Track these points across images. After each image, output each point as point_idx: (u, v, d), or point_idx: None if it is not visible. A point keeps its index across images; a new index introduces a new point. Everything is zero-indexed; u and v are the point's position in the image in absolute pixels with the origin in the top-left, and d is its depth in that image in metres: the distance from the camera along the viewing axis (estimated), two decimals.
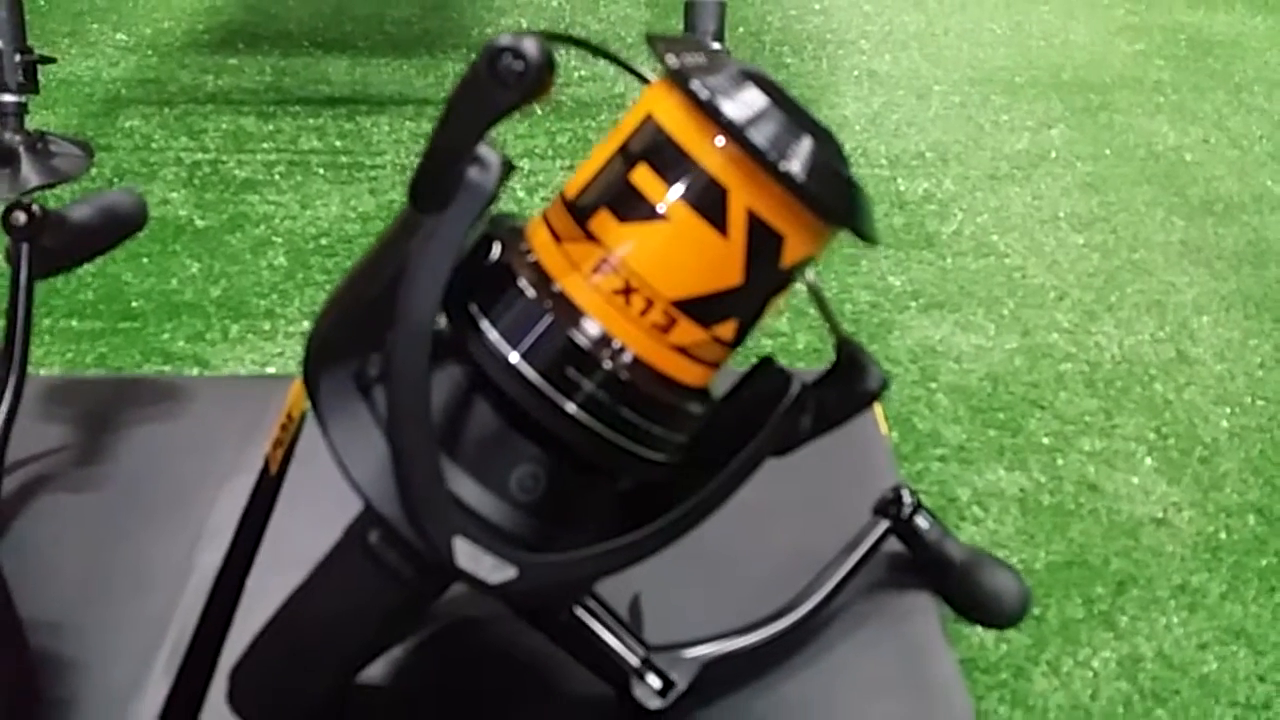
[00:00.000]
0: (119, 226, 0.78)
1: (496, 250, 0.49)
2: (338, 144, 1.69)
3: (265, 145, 1.68)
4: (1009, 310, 1.36)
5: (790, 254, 0.48)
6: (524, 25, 2.14)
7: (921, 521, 0.65)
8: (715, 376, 0.51)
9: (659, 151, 0.47)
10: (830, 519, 0.67)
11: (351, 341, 0.50)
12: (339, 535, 0.52)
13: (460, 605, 0.62)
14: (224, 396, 0.82)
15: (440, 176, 0.46)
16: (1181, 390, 1.23)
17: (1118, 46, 2.11)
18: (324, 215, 1.51)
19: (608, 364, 0.47)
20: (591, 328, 0.47)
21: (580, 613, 0.56)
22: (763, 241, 0.47)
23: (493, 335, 0.47)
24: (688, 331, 0.48)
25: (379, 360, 0.50)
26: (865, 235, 0.48)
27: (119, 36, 2.05)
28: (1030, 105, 1.87)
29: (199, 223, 1.49)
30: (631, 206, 0.47)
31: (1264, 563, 1.02)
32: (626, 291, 0.47)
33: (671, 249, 0.47)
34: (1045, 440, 1.15)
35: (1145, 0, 2.32)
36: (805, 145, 0.46)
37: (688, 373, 0.49)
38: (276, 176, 1.60)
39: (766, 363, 0.54)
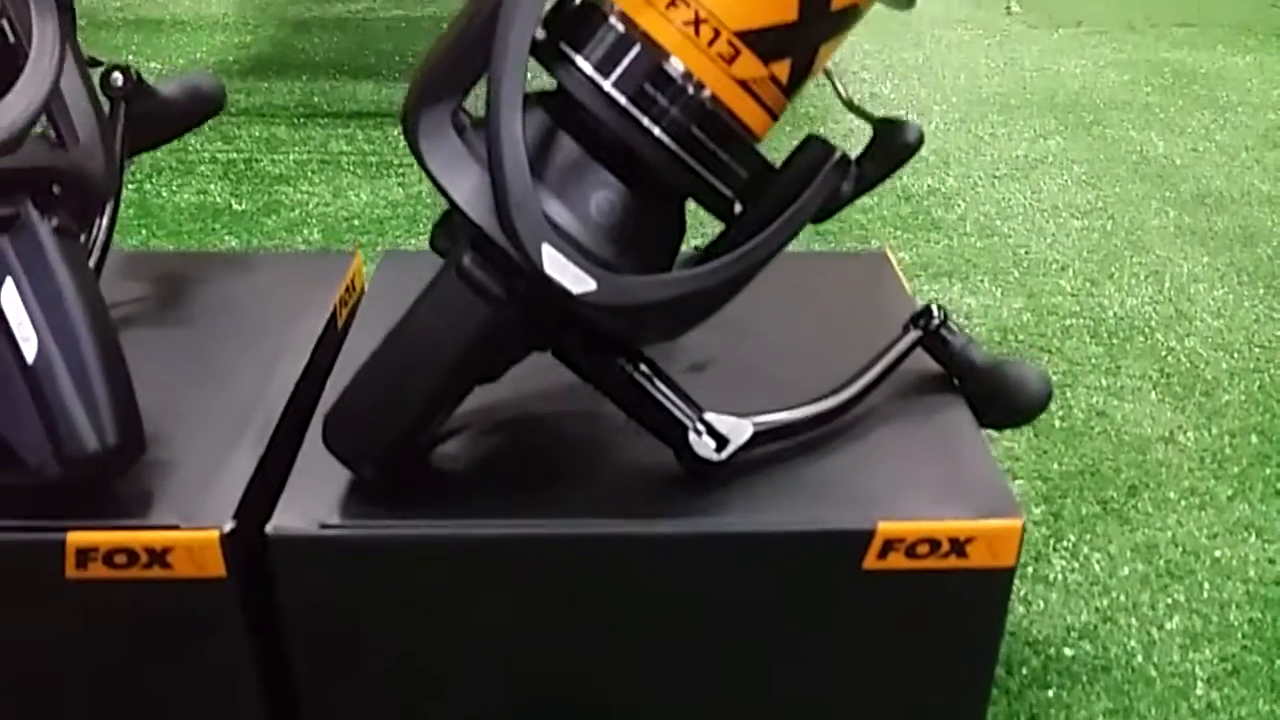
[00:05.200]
0: (201, 104, 0.85)
1: None
2: (367, 148, 1.77)
3: (297, 148, 1.76)
4: (1014, 278, 1.42)
5: None
6: None
7: (948, 333, 0.70)
8: (771, 128, 0.57)
9: None
10: (861, 341, 0.72)
11: (447, 84, 0.56)
12: None
13: (527, 395, 0.67)
14: (291, 264, 0.88)
15: None
16: (1182, 340, 1.29)
17: (1107, 76, 2.21)
18: (355, 202, 1.58)
19: (685, 90, 0.53)
20: (670, 59, 0.53)
21: (640, 374, 0.61)
22: None
23: (586, 66, 0.54)
24: (749, 64, 0.54)
25: (467, 114, 0.56)
26: None
27: (153, 65, 2.14)
28: (1026, 121, 1.96)
29: (236, 207, 1.55)
30: None
31: (1268, 472, 1.06)
32: (696, 22, 0.53)
33: None
34: (1054, 377, 1.20)
35: (1131, 40, 2.44)
36: None
37: (749, 112, 0.55)
38: (309, 173, 1.67)
39: (811, 138, 0.60)
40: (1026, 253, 1.49)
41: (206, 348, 0.74)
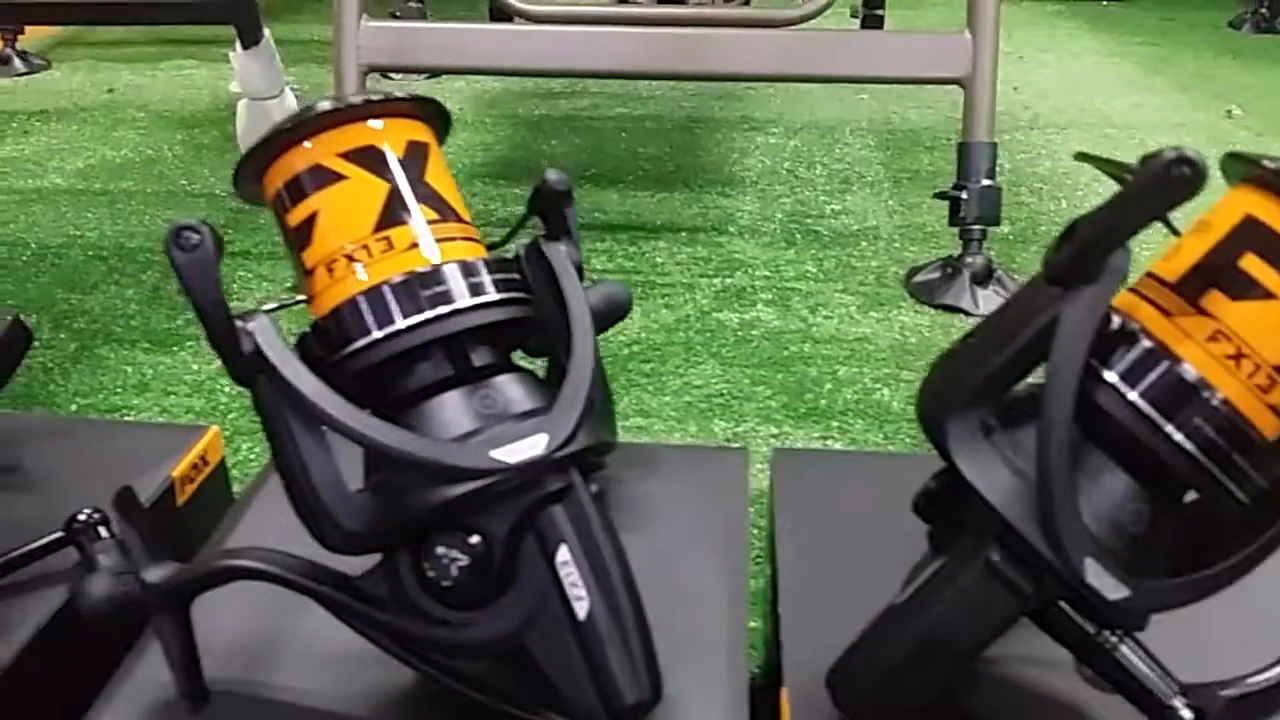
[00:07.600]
0: (617, 309, 0.91)
1: (1116, 321, 0.60)
2: (627, 264, 1.84)
3: None
4: None
5: None
6: (766, 164, 2.30)
7: None
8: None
9: (1266, 242, 0.57)
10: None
11: (982, 396, 0.60)
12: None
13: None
14: (686, 459, 0.94)
15: (1093, 259, 0.57)
16: None
17: None
18: (631, 328, 1.65)
19: (1212, 406, 0.57)
20: (1199, 379, 0.57)
21: (1126, 648, 0.64)
22: None
23: (1113, 379, 0.58)
24: None
25: (995, 414, 0.61)
26: None
27: None
28: None
29: None
30: (1243, 288, 0.57)
31: None
32: (1238, 357, 0.57)
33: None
34: None
35: None
36: None
37: (1269, 424, 0.59)
38: None
39: None
40: None
41: (650, 558, 0.79)
